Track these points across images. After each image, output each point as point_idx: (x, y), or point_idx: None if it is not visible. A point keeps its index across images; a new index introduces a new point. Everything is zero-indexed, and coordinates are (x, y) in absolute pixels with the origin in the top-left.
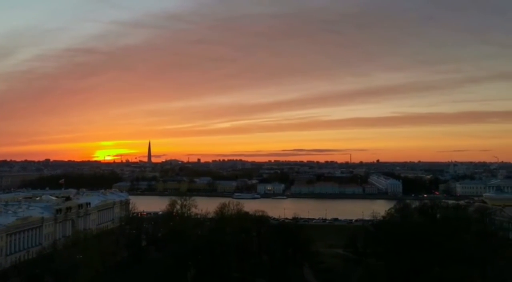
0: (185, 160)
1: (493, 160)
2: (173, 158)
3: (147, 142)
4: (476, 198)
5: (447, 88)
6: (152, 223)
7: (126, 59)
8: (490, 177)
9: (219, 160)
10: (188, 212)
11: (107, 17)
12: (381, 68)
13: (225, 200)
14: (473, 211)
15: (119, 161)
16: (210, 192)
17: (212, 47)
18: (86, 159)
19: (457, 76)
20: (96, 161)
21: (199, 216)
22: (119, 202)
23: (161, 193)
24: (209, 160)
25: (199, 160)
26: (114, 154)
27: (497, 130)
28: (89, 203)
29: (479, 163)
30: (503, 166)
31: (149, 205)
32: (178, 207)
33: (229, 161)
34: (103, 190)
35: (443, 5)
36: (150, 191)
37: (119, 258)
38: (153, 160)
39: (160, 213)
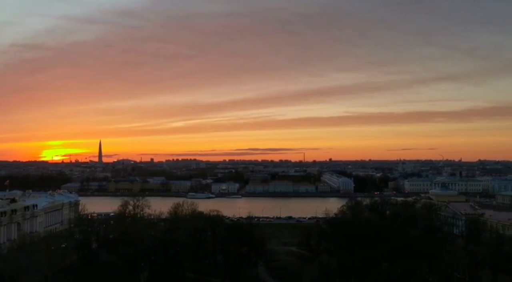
0: (137, 159)
1: (438, 158)
2: (125, 158)
3: (98, 141)
4: (423, 195)
5: (396, 89)
6: (103, 224)
7: (76, 56)
8: (436, 174)
9: (173, 160)
10: (141, 212)
11: (56, 12)
12: (334, 69)
13: (179, 200)
14: (420, 207)
15: (68, 161)
16: (163, 192)
17: (165, 45)
18: (33, 159)
19: (406, 77)
20: (43, 161)
21: (152, 217)
22: (68, 203)
23: (113, 194)
24: (163, 159)
25: (152, 159)
26: (63, 154)
27: (443, 129)
28: (36, 205)
29: (426, 161)
30: (448, 163)
31: (100, 206)
32: (130, 207)
33: (183, 160)
34: (51, 191)
35: (394, 8)
36: (101, 191)
37: (68, 261)
38: (104, 160)
39: (112, 214)
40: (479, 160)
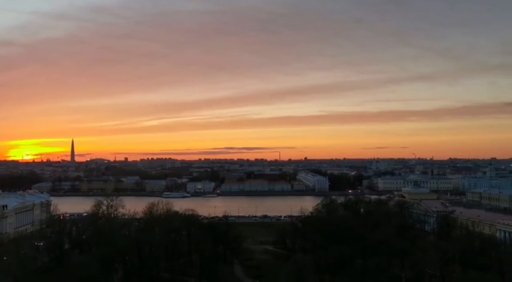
0: (111, 159)
1: (411, 157)
2: (98, 157)
3: (70, 140)
4: (396, 193)
5: (371, 88)
6: (76, 225)
7: (47, 52)
8: (408, 172)
9: (148, 159)
10: (115, 212)
11: (27, 7)
12: (311, 68)
13: (154, 200)
14: (393, 205)
15: (39, 160)
16: (138, 191)
17: (141, 43)
18: (2, 159)
19: (381, 77)
20: (13, 161)
21: (126, 217)
22: (40, 203)
23: (86, 194)
24: (137, 158)
25: (126, 158)
26: (34, 153)
27: (415, 128)
28: (6, 206)
29: (399, 159)
30: (420, 162)
31: (72, 206)
32: (104, 207)
33: (158, 159)
34: (21, 191)
35: (370, 8)
36: (74, 191)
37: (39, 263)
38: (77, 159)
39: (85, 214)
40: (450, 159)
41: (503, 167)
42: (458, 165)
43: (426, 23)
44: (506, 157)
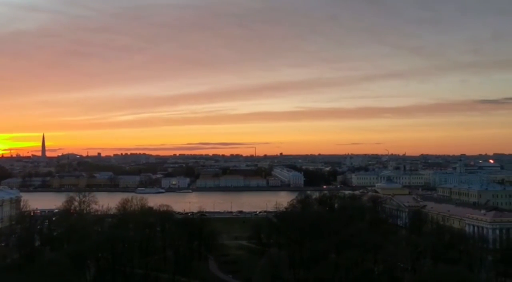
0: (84, 154)
1: (384, 153)
2: (70, 152)
3: (41, 135)
4: (369, 188)
5: (346, 85)
6: (47, 221)
7: (18, 45)
8: (382, 168)
9: (121, 154)
10: (88, 208)
11: None
12: (286, 64)
13: (128, 195)
14: (366, 200)
15: (9, 155)
16: (111, 187)
17: (115, 37)
18: None
19: (355, 74)
20: None
21: (99, 213)
22: (9, 199)
23: (58, 190)
24: (111, 154)
25: (99, 154)
26: (3, 148)
27: (389, 125)
28: None
29: (373, 155)
30: (393, 158)
31: (43, 202)
32: (76, 203)
33: (132, 155)
34: None
35: (345, 6)
36: (45, 187)
37: (9, 260)
38: (48, 154)
39: (56, 210)
40: (422, 155)
41: (472, 163)
42: (429, 161)
43: (400, 21)
44: (475, 153)
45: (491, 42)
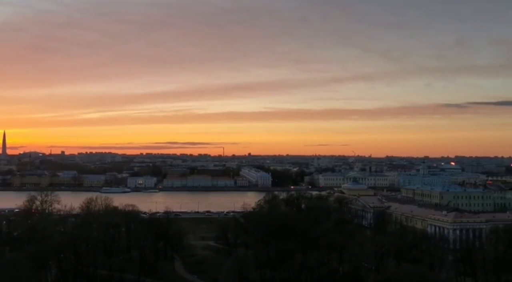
0: (46, 152)
1: (351, 154)
2: (32, 150)
3: (2, 131)
4: (336, 189)
5: (315, 87)
6: (7, 221)
7: None
8: (348, 169)
9: (86, 153)
10: (50, 208)
11: None
12: (256, 65)
13: (92, 195)
14: (333, 201)
15: None
16: (75, 186)
17: (82, 32)
18: None
19: (324, 76)
20: None
21: (62, 213)
22: None
23: (18, 189)
24: (75, 152)
25: (63, 152)
26: None
27: (356, 126)
28: None
29: (340, 156)
30: (359, 159)
31: (3, 201)
32: (38, 203)
33: (97, 153)
34: None
35: (315, 8)
36: (5, 186)
37: None
38: (9, 152)
39: (17, 210)
40: (387, 156)
41: (435, 165)
42: (394, 163)
43: (368, 25)
44: (438, 155)
45: (455, 48)
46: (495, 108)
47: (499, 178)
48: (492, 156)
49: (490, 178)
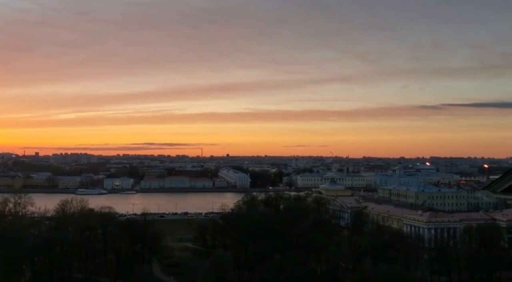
0: (20, 153)
1: (329, 155)
2: (5, 151)
3: None
4: (314, 189)
5: (294, 88)
6: None
7: None
8: (326, 170)
9: (61, 154)
10: (23, 210)
11: None
12: (235, 65)
13: (68, 197)
14: (311, 202)
15: None
16: (50, 188)
17: (58, 31)
18: None
19: (303, 77)
20: None
21: (36, 215)
22: None
23: None
24: (49, 153)
25: (37, 153)
26: None
27: (334, 128)
28: None
29: (318, 157)
30: (337, 160)
31: None
32: (11, 205)
33: (72, 154)
34: None
35: (294, 10)
36: None
37: None
38: None
39: None
40: (364, 157)
41: (410, 165)
42: (371, 163)
43: (346, 27)
44: (414, 156)
45: (431, 50)
46: (469, 110)
47: (472, 178)
48: (465, 156)
49: (463, 178)
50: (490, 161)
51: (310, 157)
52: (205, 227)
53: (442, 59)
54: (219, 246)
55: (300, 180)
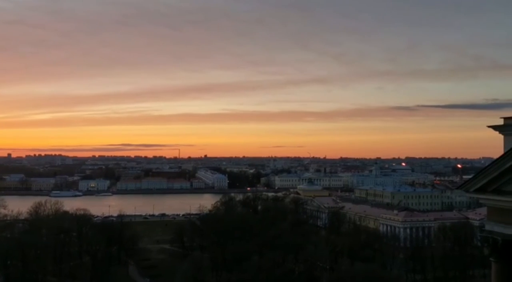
0: None
1: (306, 156)
2: None
3: None
4: (292, 190)
5: (271, 89)
6: None
7: None
8: (303, 170)
9: (35, 155)
10: None
11: None
12: (213, 66)
13: (41, 199)
14: (289, 202)
15: None
16: (23, 190)
17: (31, 30)
18: None
19: (281, 78)
20: None
21: (9, 218)
22: None
23: None
24: (22, 155)
25: (9, 154)
26: None
27: (311, 128)
28: None
29: (295, 158)
30: (314, 160)
31: None
32: None
33: (46, 156)
34: None
35: (272, 11)
36: None
37: None
38: None
39: None
40: (341, 158)
41: (386, 166)
42: (348, 164)
43: (323, 29)
44: (390, 156)
45: (406, 52)
46: (443, 111)
47: (446, 178)
48: (440, 156)
49: (437, 178)
50: (463, 161)
51: (287, 158)
52: (182, 229)
53: (416, 61)
54: (197, 247)
55: (278, 181)
